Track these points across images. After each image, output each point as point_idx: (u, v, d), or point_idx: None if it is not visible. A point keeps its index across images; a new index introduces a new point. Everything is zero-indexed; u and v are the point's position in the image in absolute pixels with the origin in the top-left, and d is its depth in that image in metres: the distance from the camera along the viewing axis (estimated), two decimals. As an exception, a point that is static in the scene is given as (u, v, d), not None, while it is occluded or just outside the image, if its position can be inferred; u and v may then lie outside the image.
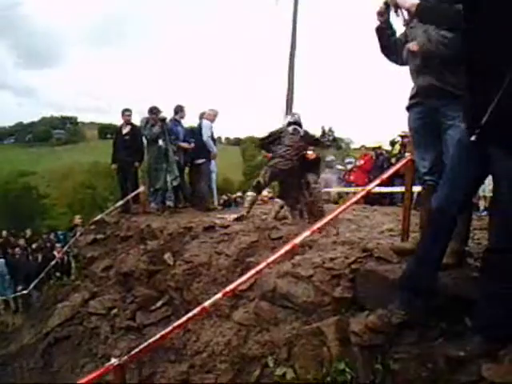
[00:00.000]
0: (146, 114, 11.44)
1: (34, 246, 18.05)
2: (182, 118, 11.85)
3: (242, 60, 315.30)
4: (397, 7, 3.60)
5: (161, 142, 11.13)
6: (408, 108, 4.48)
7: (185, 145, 11.46)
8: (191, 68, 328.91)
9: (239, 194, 21.96)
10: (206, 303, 4.47)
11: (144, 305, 7.85)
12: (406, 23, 3.72)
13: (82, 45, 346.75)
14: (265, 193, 20.47)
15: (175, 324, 4.55)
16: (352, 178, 15.45)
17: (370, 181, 13.32)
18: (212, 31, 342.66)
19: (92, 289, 9.39)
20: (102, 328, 8.08)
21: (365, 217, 8.22)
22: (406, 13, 3.58)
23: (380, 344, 3.87)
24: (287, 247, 4.72)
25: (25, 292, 13.59)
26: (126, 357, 4.55)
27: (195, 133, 11.63)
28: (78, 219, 15.39)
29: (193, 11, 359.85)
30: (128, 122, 11.86)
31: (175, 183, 11.18)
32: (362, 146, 17.50)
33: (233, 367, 5.29)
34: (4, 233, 21.07)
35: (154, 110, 11.31)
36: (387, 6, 3.80)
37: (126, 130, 11.82)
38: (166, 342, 5.85)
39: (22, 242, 18.27)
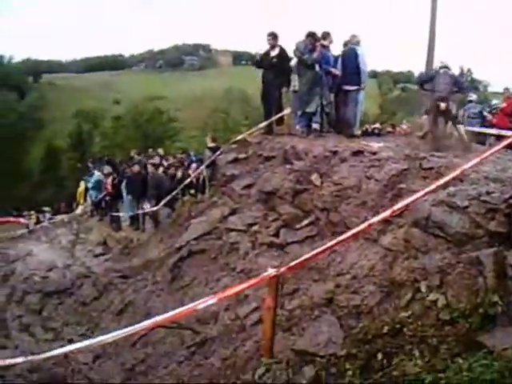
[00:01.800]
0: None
1: (165, 163, 18.47)
2: (331, 43, 11.71)
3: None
4: None
5: (317, 68, 11.06)
6: None
7: (335, 71, 11.32)
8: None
9: (377, 125, 21.56)
10: (373, 219, 4.52)
11: (288, 223, 7.97)
12: None
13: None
14: (404, 126, 20.14)
15: (340, 238, 4.63)
16: (495, 120, 14.83)
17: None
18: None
19: (232, 205, 9.56)
20: (242, 243, 8.29)
21: (508, 160, 7.88)
22: None
23: None
24: (453, 174, 4.69)
25: (154, 209, 13.81)
26: (283, 268, 4.72)
27: (345, 59, 11.39)
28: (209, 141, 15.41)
29: None
30: (274, 46, 11.73)
31: (327, 109, 11.22)
32: (506, 89, 16.35)
33: (380, 290, 5.32)
34: (132, 152, 22.11)
35: (313, 35, 11.15)
36: None
37: (274, 53, 11.68)
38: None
39: (156, 159, 18.91)
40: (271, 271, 4.54)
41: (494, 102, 16.44)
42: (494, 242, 4.71)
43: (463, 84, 9.61)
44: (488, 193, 5.29)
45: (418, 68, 77.96)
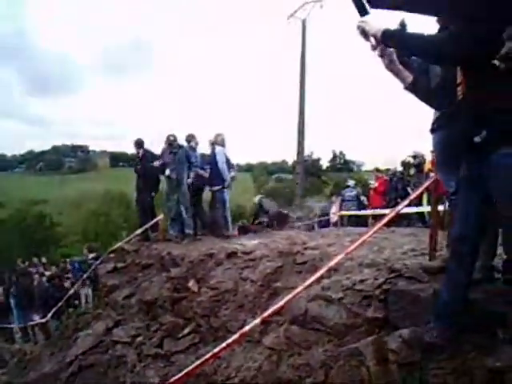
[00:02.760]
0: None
1: (47, 273, 18.08)
2: (197, 144, 11.97)
3: (251, 85, 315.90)
4: (365, 34, 3.65)
5: (168, 172, 11.41)
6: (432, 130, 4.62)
7: (202, 172, 11.57)
8: (201, 95, 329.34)
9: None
10: (246, 328, 4.53)
11: (171, 332, 7.84)
12: (373, 49, 3.75)
13: (91, 72, 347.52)
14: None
15: (215, 350, 4.58)
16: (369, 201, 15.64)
17: (387, 202, 13.52)
18: (221, 55, 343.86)
19: (115, 317, 9.36)
20: (129, 356, 8.04)
21: (384, 238, 8.27)
22: (373, 39, 3.63)
23: (417, 360, 3.90)
24: (325, 268, 4.82)
25: (42, 321, 13.59)
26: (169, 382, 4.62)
27: (209, 160, 11.69)
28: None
29: (203, 39, 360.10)
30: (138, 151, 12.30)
31: (187, 214, 11.28)
32: (375, 169, 17.45)
33: None
34: (18, 261, 21.15)
35: (169, 139, 11.64)
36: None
37: (139, 157, 12.34)
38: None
39: (40, 269, 18.41)
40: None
41: (371, 182, 17.23)
42: (374, 328, 4.79)
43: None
44: (362, 281, 5.42)
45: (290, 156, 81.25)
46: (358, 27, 3.61)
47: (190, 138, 11.82)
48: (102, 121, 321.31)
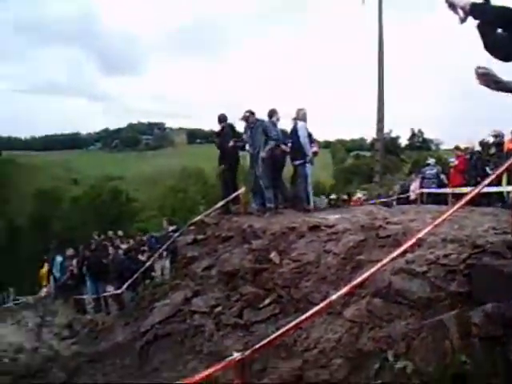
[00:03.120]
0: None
1: (123, 246, 18.50)
2: (278, 120, 11.92)
3: (328, 62, 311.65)
4: (452, 6, 3.60)
5: (248, 147, 11.67)
6: None
7: (284, 147, 11.57)
8: (272, 74, 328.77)
9: (333, 196, 22.02)
10: (333, 297, 4.54)
11: (251, 303, 7.90)
12: (462, 21, 3.69)
13: (162, 52, 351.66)
14: (359, 195, 20.58)
15: (302, 317, 4.61)
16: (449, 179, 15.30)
17: (467, 181, 13.18)
18: (293, 35, 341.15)
19: (194, 287, 9.50)
20: (207, 325, 8.17)
21: (464, 217, 8.08)
22: (461, 11, 3.58)
23: (499, 335, 3.90)
24: (412, 240, 4.79)
25: (117, 292, 13.94)
26: (249, 351, 4.67)
27: (291, 135, 11.68)
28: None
29: (273, 20, 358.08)
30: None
31: (267, 188, 11.30)
32: (456, 147, 16.97)
33: (348, 362, 5.31)
34: (94, 234, 21.95)
35: (244, 115, 11.85)
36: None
37: (216, 132, 12.78)
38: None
39: (117, 242, 18.96)
40: (236, 355, 4.47)
41: (451, 160, 16.90)
42: (457, 303, 4.78)
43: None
44: (446, 255, 5.40)
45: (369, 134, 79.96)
46: (447, 0, 3.58)
47: (272, 113, 11.76)
48: (174, 99, 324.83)
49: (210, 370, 4.77)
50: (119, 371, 9.07)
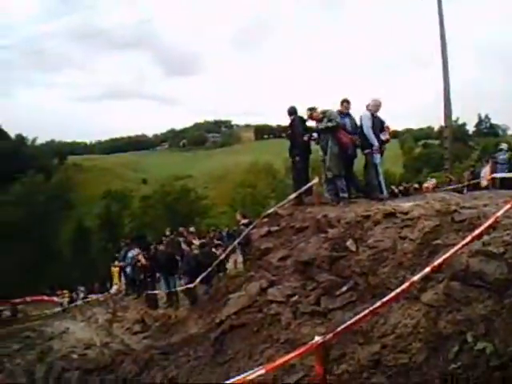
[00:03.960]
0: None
1: (195, 242, 18.82)
2: (348, 109, 11.95)
3: (393, 51, 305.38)
4: None
5: (315, 135, 11.89)
6: None
7: (355, 137, 11.53)
8: (335, 67, 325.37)
9: (403, 185, 21.83)
10: (415, 277, 4.64)
11: (328, 290, 7.98)
12: None
13: (223, 50, 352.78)
14: (430, 183, 20.35)
15: (383, 300, 4.73)
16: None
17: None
18: (346, 26, 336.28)
19: (269, 278, 9.63)
20: (284, 314, 8.28)
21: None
22: None
23: None
24: (488, 223, 4.85)
25: (191, 286, 14.13)
26: (330, 335, 4.84)
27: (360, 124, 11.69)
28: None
29: (331, 12, 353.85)
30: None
31: (339, 178, 11.33)
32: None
33: (427, 346, 5.37)
34: (166, 231, 22.05)
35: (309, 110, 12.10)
36: None
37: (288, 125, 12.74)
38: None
39: (189, 237, 19.32)
40: (318, 339, 4.63)
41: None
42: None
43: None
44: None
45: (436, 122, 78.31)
46: None
47: (343, 102, 11.88)
48: (240, 97, 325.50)
49: (292, 355, 4.97)
50: (193, 362, 9.31)
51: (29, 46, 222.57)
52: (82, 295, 31.19)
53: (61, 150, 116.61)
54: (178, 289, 15.33)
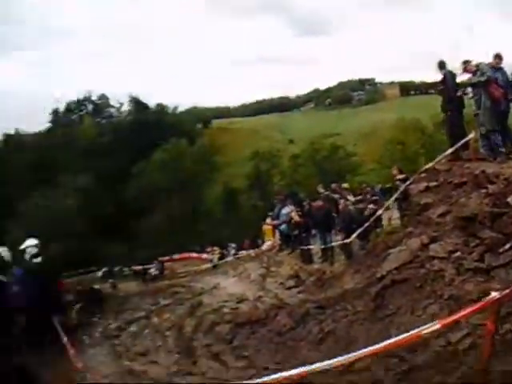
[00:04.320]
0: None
1: (350, 198, 18.70)
2: (499, 64, 11.41)
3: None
4: None
5: (468, 90, 11.76)
6: None
7: (505, 91, 11.10)
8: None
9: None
10: None
11: (491, 247, 7.74)
12: None
13: (357, 7, 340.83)
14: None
15: None
16: None
17: None
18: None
19: (430, 234, 9.40)
20: (447, 270, 8.12)
21: None
22: None
23: None
24: None
25: (347, 241, 14.19)
26: (507, 291, 4.64)
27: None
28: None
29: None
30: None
31: (483, 131, 11.14)
32: None
33: None
34: (319, 187, 21.76)
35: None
36: None
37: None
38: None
39: (344, 193, 19.23)
40: (495, 294, 4.49)
41: None
42: None
43: None
44: None
45: None
46: None
47: (495, 59, 11.40)
48: (380, 53, 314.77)
49: (468, 311, 4.85)
50: (351, 316, 9.21)
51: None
52: (232, 252, 32.05)
53: (203, 116, 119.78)
54: (334, 244, 15.38)
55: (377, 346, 4.69)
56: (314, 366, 4.58)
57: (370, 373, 6.88)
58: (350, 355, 4.70)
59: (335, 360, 4.68)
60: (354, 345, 7.64)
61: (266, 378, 4.83)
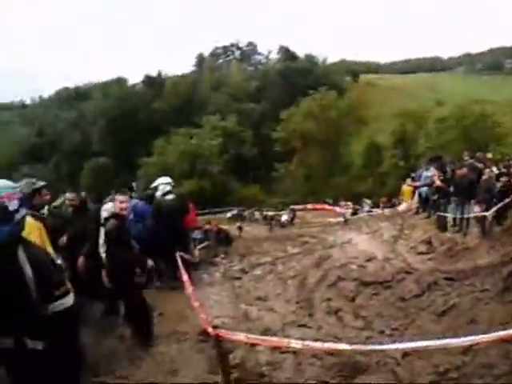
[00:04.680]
0: None
1: (494, 169, 18.12)
2: None
3: None
4: None
5: None
6: None
7: None
8: None
9: None
10: None
11: None
12: None
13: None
14: None
15: None
16: None
17: None
18: None
19: None
20: None
21: None
22: None
23: None
24: None
25: (485, 214, 13.63)
26: None
27: None
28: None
29: None
30: None
31: None
32: None
33: None
34: (464, 154, 21.20)
35: None
36: None
37: None
38: None
39: (488, 163, 18.63)
40: None
41: None
42: None
43: None
44: None
45: None
46: None
47: None
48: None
49: None
50: (478, 294, 8.92)
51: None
52: (366, 208, 31.87)
53: (353, 69, 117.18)
54: (471, 215, 14.71)
55: (504, 332, 4.32)
56: (435, 343, 4.31)
57: (486, 356, 6.52)
58: (474, 337, 4.34)
59: (459, 340, 4.42)
60: (474, 324, 7.47)
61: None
